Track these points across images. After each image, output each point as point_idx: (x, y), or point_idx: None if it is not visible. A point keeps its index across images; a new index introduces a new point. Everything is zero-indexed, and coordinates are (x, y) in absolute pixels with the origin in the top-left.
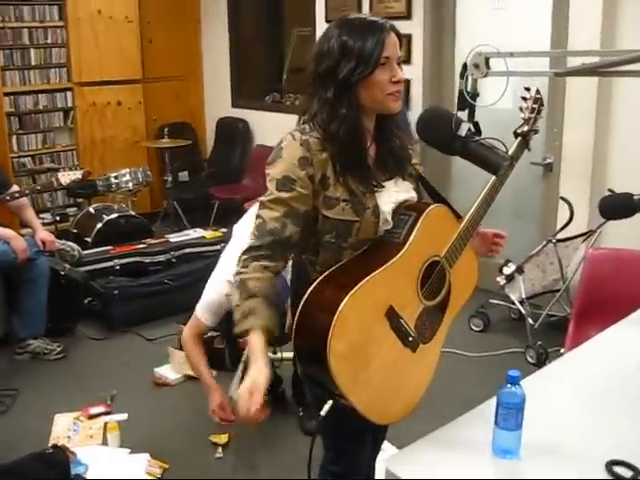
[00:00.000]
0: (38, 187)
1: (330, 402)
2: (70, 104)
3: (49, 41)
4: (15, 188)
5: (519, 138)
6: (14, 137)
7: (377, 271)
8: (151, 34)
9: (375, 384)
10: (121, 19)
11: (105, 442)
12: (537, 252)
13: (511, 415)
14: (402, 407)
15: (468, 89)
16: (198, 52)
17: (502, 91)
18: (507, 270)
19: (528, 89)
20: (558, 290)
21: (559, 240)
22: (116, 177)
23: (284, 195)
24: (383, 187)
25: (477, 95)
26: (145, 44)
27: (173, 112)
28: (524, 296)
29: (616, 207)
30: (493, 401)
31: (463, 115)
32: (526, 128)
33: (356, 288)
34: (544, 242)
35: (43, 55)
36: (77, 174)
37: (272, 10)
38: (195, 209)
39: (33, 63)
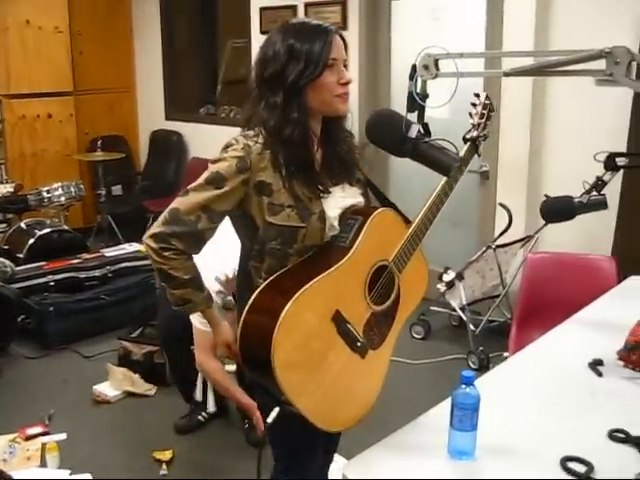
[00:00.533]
0: None
1: (277, 409)
2: None
3: None
4: None
5: (468, 143)
6: None
7: (322, 275)
8: (82, 45)
9: (323, 390)
10: (51, 29)
11: (44, 464)
12: (477, 258)
13: (466, 416)
14: (352, 414)
15: (417, 90)
16: (131, 64)
17: (452, 92)
18: (447, 277)
19: (478, 95)
20: (498, 296)
21: (498, 246)
22: (48, 191)
23: (209, 190)
24: (329, 192)
25: (426, 96)
26: (76, 55)
27: (106, 125)
28: (464, 302)
29: (557, 210)
30: (444, 404)
31: (412, 117)
32: (475, 133)
33: (299, 293)
34: (484, 248)
35: None
36: (8, 187)
37: (206, 21)
38: (130, 223)
39: None
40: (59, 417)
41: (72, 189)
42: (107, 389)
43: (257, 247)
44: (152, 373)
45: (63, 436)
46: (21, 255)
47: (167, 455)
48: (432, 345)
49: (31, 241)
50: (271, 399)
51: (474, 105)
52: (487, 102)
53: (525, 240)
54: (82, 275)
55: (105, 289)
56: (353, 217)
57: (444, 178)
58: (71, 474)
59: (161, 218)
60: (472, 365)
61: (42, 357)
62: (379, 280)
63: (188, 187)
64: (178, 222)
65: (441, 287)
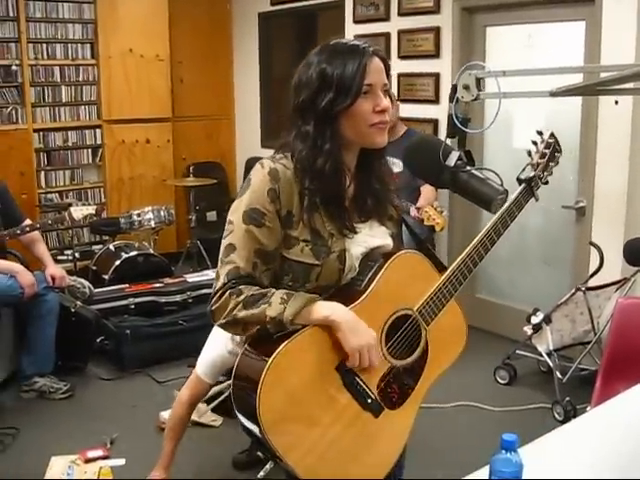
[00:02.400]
0: (49, 221)
1: (269, 464)
2: (99, 141)
3: (80, 79)
4: (28, 222)
5: (522, 184)
6: (42, 173)
7: None
8: (182, 73)
9: (322, 448)
10: (152, 57)
11: None
12: (565, 301)
13: None
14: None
15: (458, 113)
16: (230, 91)
17: (494, 115)
18: (535, 319)
19: (541, 133)
20: (589, 342)
21: (589, 288)
22: (139, 215)
23: (254, 230)
24: (356, 233)
25: (468, 120)
26: (176, 83)
27: (203, 151)
28: (552, 348)
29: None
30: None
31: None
32: (532, 174)
33: (294, 337)
34: (572, 290)
35: (74, 92)
36: (90, 209)
37: (304, 50)
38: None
39: (64, 100)
40: (122, 441)
41: (162, 213)
42: None
43: (271, 282)
44: (219, 404)
45: (122, 461)
46: (106, 276)
47: None
48: (516, 391)
49: (117, 263)
50: (265, 451)
51: (535, 144)
52: (551, 141)
53: (621, 283)
54: (162, 299)
55: (184, 315)
56: (375, 259)
57: (490, 221)
58: None
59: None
60: (557, 416)
61: (116, 379)
62: (400, 331)
63: (229, 240)
64: (238, 278)
65: (528, 330)
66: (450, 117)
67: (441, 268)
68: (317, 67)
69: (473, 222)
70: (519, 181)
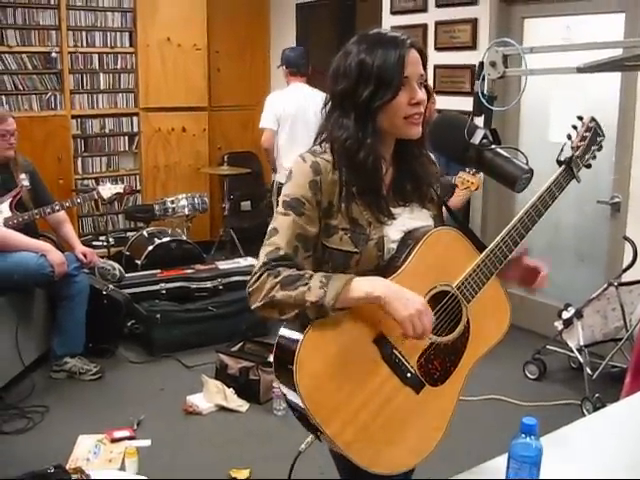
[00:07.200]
0: (79, 200)
1: (310, 437)
2: (136, 129)
3: (118, 66)
4: (56, 203)
5: (562, 166)
6: (79, 159)
7: None
8: (220, 63)
9: (361, 420)
10: (189, 47)
11: (123, 468)
12: (597, 296)
13: (523, 470)
14: (400, 457)
15: (484, 91)
16: (267, 82)
17: (520, 92)
18: (566, 315)
19: (581, 118)
20: (621, 339)
21: (621, 284)
22: (172, 202)
23: (294, 217)
24: (394, 219)
25: (494, 98)
26: (213, 72)
27: (239, 140)
28: (582, 343)
29: None
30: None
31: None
32: (570, 154)
33: None
34: (604, 285)
35: (112, 80)
36: (118, 188)
37: (341, 41)
38: (253, 238)
39: (102, 87)
40: (148, 423)
41: (196, 201)
42: (200, 401)
43: (312, 268)
44: (246, 389)
45: (148, 442)
46: (139, 262)
47: (244, 474)
48: (545, 387)
49: (150, 248)
50: (307, 425)
51: (575, 128)
52: (591, 125)
53: None
54: (193, 285)
55: (214, 301)
56: (413, 237)
57: (529, 202)
58: None
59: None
60: (586, 413)
61: (145, 363)
62: (439, 307)
63: (271, 225)
64: (278, 260)
65: (558, 325)
66: (476, 95)
67: (481, 247)
68: (356, 57)
69: (507, 209)
70: (559, 162)
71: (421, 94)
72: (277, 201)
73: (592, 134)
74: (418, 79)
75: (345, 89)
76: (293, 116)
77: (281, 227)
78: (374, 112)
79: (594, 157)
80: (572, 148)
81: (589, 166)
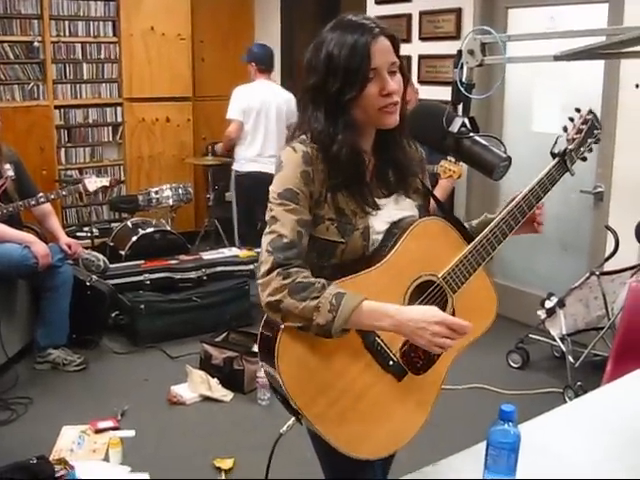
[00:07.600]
0: (64, 193)
1: (292, 419)
2: (119, 119)
3: (102, 56)
4: (42, 194)
5: (556, 159)
6: (62, 150)
7: (345, 279)
8: (204, 52)
9: (341, 405)
10: (173, 36)
11: (107, 458)
12: (579, 285)
13: (502, 457)
14: (380, 442)
15: (463, 79)
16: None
17: (501, 79)
18: (548, 304)
19: (578, 110)
20: (603, 328)
21: (603, 273)
22: (156, 192)
23: (291, 205)
24: (378, 209)
25: (472, 86)
26: (197, 62)
27: (223, 131)
28: (565, 332)
29: None
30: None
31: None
32: (564, 147)
33: None
34: (587, 274)
35: (95, 70)
36: (104, 181)
37: None
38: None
39: (85, 77)
40: (133, 414)
41: (180, 191)
42: (184, 391)
43: None
44: (230, 379)
45: (132, 433)
46: (123, 252)
47: (228, 463)
48: (528, 376)
49: (134, 239)
50: (289, 408)
51: (572, 120)
52: (589, 117)
53: (637, 268)
54: (177, 276)
55: (198, 291)
56: (398, 227)
57: (522, 192)
58: (131, 472)
59: (264, 255)
60: (568, 400)
61: (129, 353)
62: (423, 296)
63: (267, 217)
64: (284, 248)
65: (541, 314)
66: (455, 83)
67: (468, 237)
68: (325, 50)
69: (491, 202)
70: (552, 155)
71: (392, 84)
72: (236, 191)
73: (589, 127)
74: (389, 68)
75: (315, 84)
76: (257, 110)
77: (280, 215)
78: (345, 106)
79: (590, 150)
80: (567, 141)
81: (585, 159)
